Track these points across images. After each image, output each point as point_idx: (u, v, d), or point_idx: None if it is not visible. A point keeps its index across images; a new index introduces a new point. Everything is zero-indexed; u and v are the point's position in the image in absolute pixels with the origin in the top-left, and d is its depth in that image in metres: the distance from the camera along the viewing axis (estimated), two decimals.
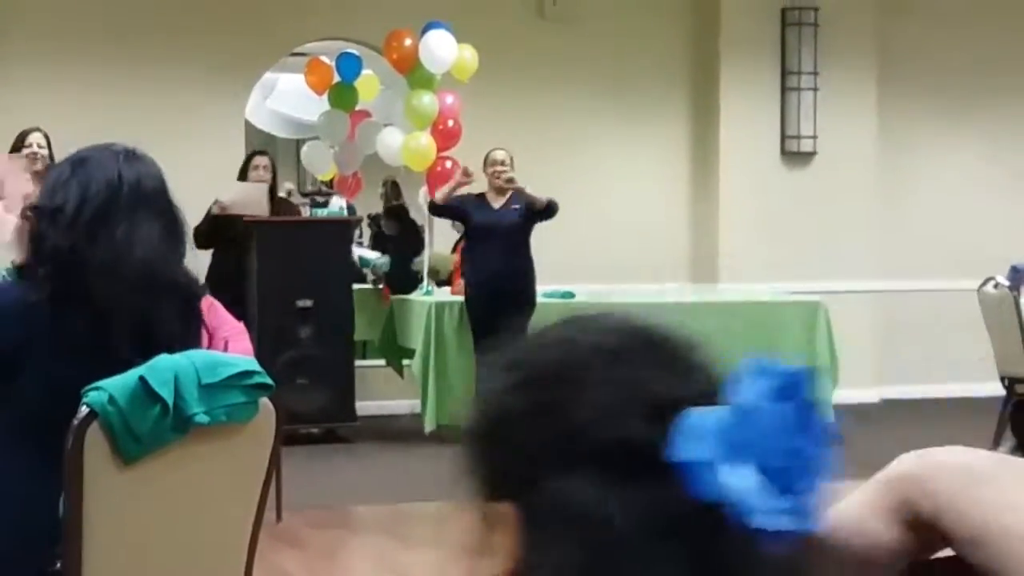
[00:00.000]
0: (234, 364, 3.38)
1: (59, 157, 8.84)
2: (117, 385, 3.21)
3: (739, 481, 1.08)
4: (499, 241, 9.38)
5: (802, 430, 1.12)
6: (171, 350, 3.31)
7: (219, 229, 9.37)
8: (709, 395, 1.13)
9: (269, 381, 3.41)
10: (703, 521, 1.06)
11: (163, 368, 3.26)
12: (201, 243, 8.44)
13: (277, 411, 3.46)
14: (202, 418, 3.28)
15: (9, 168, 5.35)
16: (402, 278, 11.02)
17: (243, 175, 9.88)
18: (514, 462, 1.16)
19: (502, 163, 9.66)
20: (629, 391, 1.13)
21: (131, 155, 3.56)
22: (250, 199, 9.55)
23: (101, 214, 3.38)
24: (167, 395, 3.23)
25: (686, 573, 1.06)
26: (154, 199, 3.47)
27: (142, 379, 3.22)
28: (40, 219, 3.40)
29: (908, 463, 1.04)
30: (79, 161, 3.50)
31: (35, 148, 8.96)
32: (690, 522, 1.07)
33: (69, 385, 3.22)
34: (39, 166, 8.96)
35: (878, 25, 12.10)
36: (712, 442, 1.10)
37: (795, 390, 1.14)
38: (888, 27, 12.12)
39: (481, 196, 9.73)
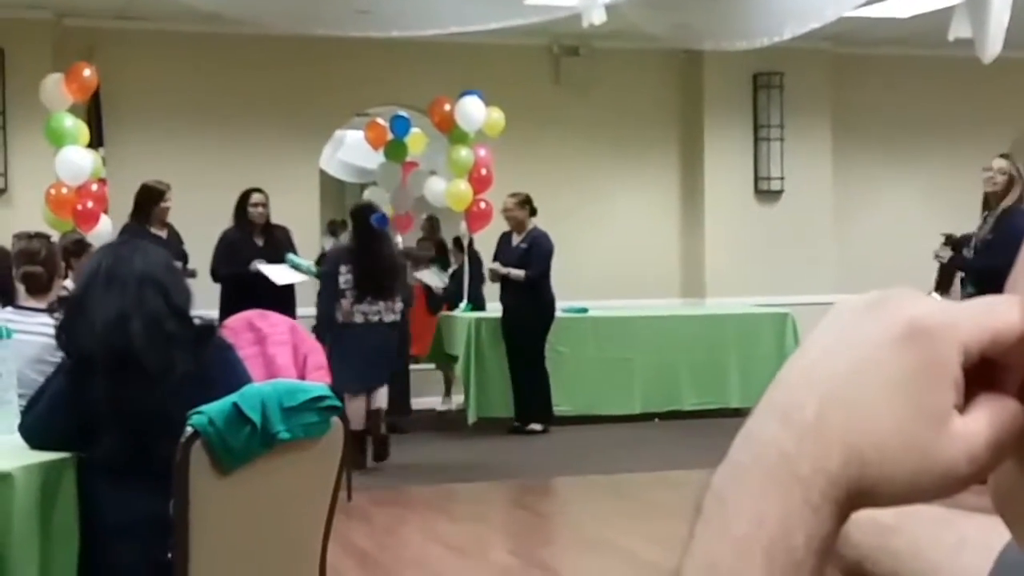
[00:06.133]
0: (310, 390, 3.39)
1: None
2: (215, 410, 3.22)
3: None
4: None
5: None
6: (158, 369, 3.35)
7: (244, 280, 8.90)
8: None
9: (338, 403, 3.42)
10: None
11: (252, 395, 3.27)
12: (217, 279, 8.91)
13: (345, 427, 3.47)
14: (284, 435, 3.29)
15: None
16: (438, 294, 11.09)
17: (241, 209, 9.21)
18: None
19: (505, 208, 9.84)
20: None
21: (124, 242, 3.65)
22: (279, 276, 9.03)
23: (86, 287, 3.45)
24: (256, 417, 3.24)
25: None
26: (129, 268, 3.44)
27: (235, 404, 3.23)
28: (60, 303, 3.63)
29: None
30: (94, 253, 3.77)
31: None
32: None
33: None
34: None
35: (832, 86, 12.06)
36: None
37: None
38: (841, 88, 12.07)
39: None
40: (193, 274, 8.50)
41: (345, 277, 7.96)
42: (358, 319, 7.95)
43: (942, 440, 0.55)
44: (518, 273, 9.47)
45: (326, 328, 8.10)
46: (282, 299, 8.52)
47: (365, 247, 8.03)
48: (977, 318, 0.56)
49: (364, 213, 8.34)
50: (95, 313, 3.33)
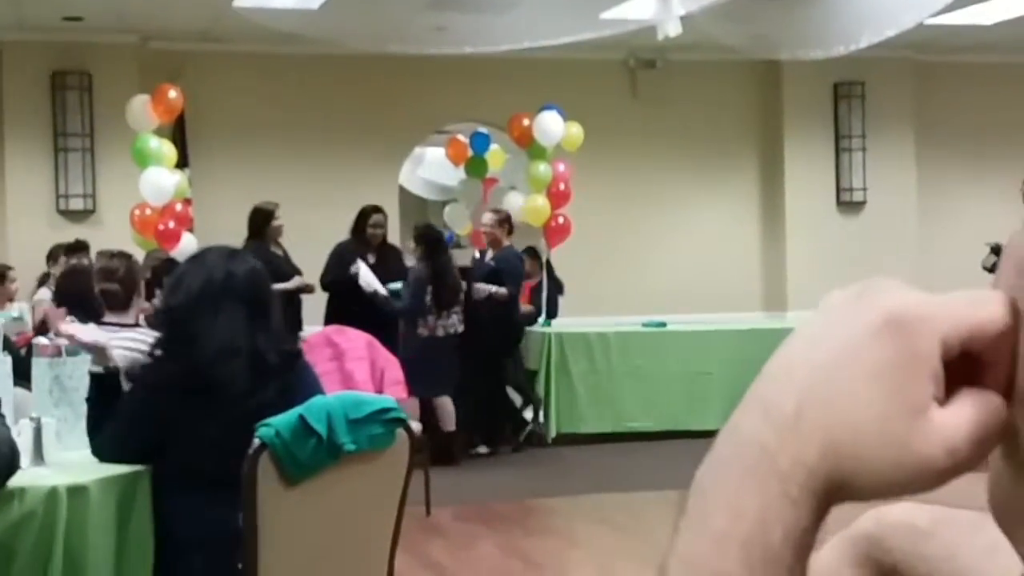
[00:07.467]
0: (375, 402, 3.41)
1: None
2: (282, 422, 3.26)
3: None
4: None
5: None
6: (256, 386, 3.37)
7: (349, 289, 8.91)
8: None
9: (404, 416, 3.44)
10: None
11: (318, 407, 3.30)
12: (326, 288, 9.01)
13: (411, 439, 3.48)
14: (350, 447, 3.32)
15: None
16: None
17: (359, 226, 9.21)
18: None
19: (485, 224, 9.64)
20: None
21: (231, 255, 3.60)
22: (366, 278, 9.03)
23: (194, 305, 3.43)
24: (322, 429, 3.27)
25: None
26: (240, 289, 3.46)
27: (301, 417, 3.26)
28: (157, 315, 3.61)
29: (867, 524, 1.01)
30: (191, 261, 3.65)
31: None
32: None
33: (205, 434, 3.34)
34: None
35: (914, 95, 11.90)
36: None
37: None
38: (922, 96, 11.91)
39: None
40: (311, 289, 8.86)
41: (429, 296, 8.71)
42: (440, 332, 8.75)
43: (920, 432, 0.54)
44: (501, 291, 9.21)
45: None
46: (382, 312, 8.56)
47: (443, 267, 8.78)
48: (957, 311, 0.55)
49: (434, 235, 8.98)
50: (204, 340, 3.36)
